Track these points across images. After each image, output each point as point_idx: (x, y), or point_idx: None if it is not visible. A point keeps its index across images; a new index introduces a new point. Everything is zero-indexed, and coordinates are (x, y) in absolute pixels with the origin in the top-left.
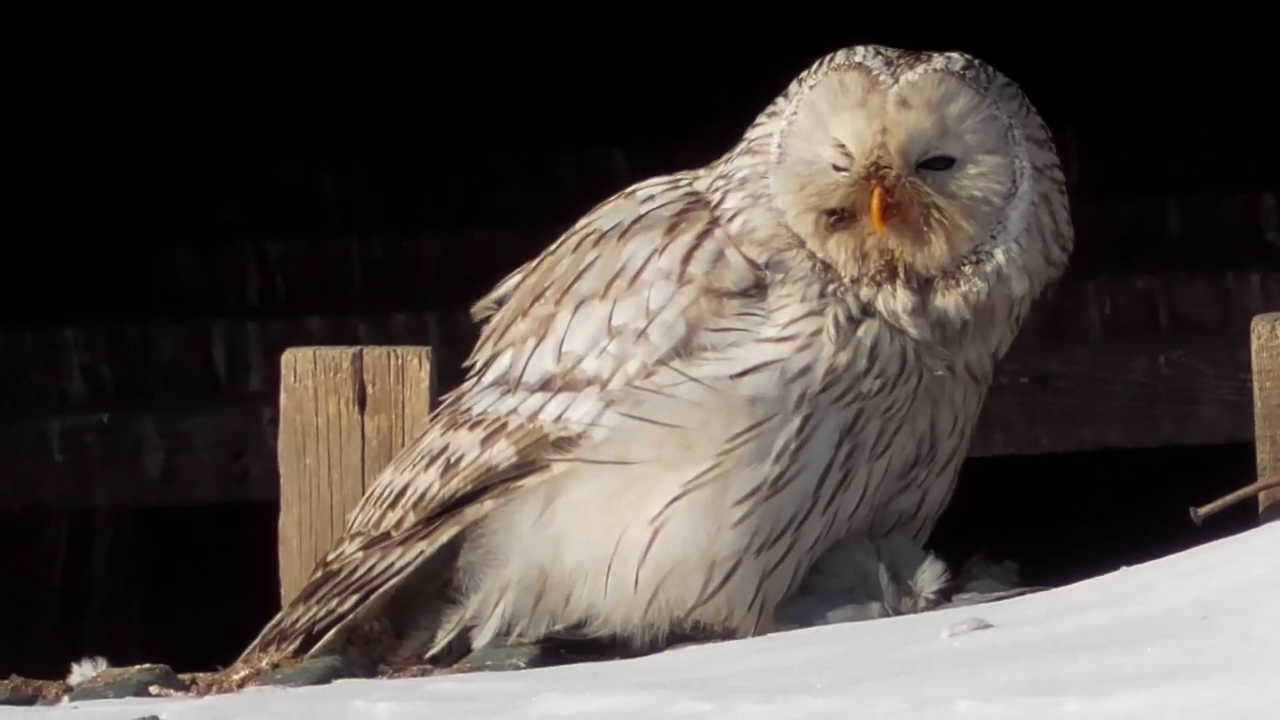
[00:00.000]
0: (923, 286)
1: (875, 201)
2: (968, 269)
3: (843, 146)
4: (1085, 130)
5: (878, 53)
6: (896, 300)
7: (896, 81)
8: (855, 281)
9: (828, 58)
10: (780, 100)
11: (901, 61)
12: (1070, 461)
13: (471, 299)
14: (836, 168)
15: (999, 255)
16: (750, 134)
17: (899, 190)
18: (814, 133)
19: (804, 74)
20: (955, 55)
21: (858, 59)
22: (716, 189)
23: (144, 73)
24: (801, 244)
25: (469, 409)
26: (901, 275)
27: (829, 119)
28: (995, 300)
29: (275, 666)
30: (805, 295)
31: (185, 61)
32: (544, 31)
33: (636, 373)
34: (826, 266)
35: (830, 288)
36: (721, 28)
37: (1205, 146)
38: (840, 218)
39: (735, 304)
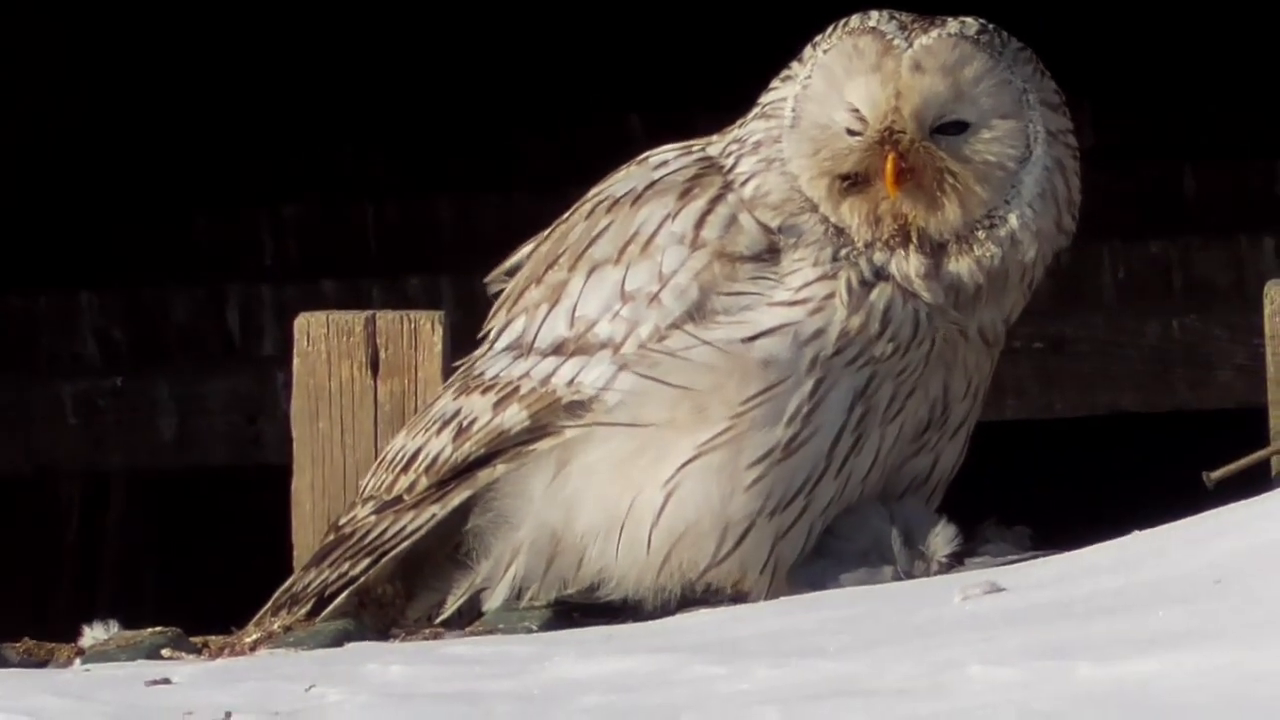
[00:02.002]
0: (936, 251)
1: (889, 166)
2: (981, 233)
3: (857, 111)
4: (1101, 96)
5: (892, 17)
6: (910, 264)
7: (911, 45)
8: (869, 246)
9: (842, 22)
10: (794, 64)
11: (916, 26)
12: (1084, 426)
13: (486, 263)
14: (850, 132)
15: (1013, 220)
16: (764, 98)
17: (913, 155)
18: (828, 97)
19: (818, 38)
20: (969, 20)
21: (872, 23)
22: (730, 153)
23: (165, 41)
24: (815, 208)
25: (481, 373)
26: (915, 239)
27: (843, 83)
28: (1009, 265)
29: (287, 629)
30: (818, 259)
31: (208, 35)
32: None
33: (649, 336)
34: (840, 230)
35: (843, 251)
36: None
37: (1221, 111)
38: (854, 182)
39: (748, 268)
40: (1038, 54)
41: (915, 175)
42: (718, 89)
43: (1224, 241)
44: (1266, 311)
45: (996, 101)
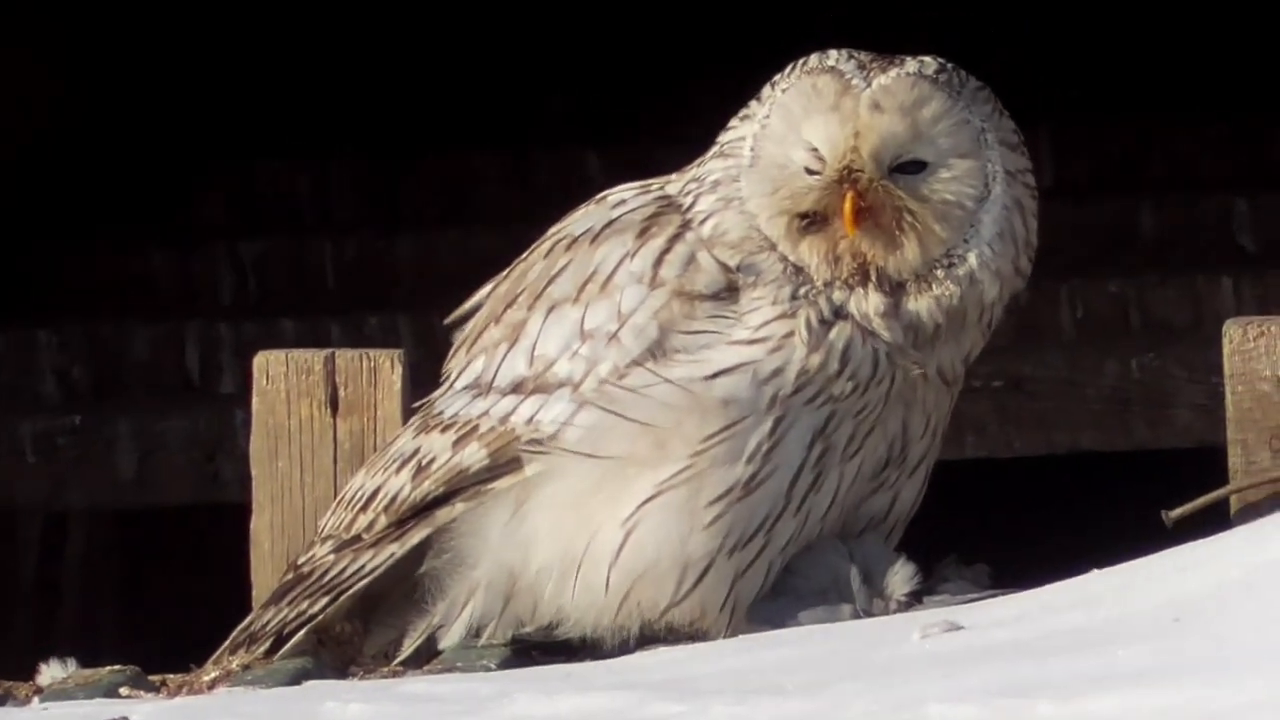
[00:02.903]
0: (895, 290)
1: (848, 205)
2: (940, 273)
3: (815, 150)
4: (1059, 132)
5: (850, 56)
6: (869, 303)
7: (869, 85)
8: (827, 284)
9: (800, 61)
10: (753, 103)
11: (874, 65)
12: (1043, 464)
13: (446, 300)
14: (809, 171)
15: (972, 259)
16: (723, 137)
17: (871, 194)
18: (786, 136)
19: (777, 77)
20: (928, 59)
21: (830, 62)
22: (689, 192)
23: (121, 72)
24: (773, 247)
25: (440, 412)
26: (874, 278)
27: (802, 122)
28: (967, 304)
29: (246, 668)
30: (777, 298)
31: (162, 60)
32: (520, 33)
33: (609, 375)
34: (798, 269)
35: (802, 290)
36: (697, 31)
37: (1179, 150)
38: (812, 221)
39: (707, 306)
40: (996, 91)
41: (874, 214)
42: (677, 126)
43: (1182, 280)
44: (1225, 350)
45: (955, 141)
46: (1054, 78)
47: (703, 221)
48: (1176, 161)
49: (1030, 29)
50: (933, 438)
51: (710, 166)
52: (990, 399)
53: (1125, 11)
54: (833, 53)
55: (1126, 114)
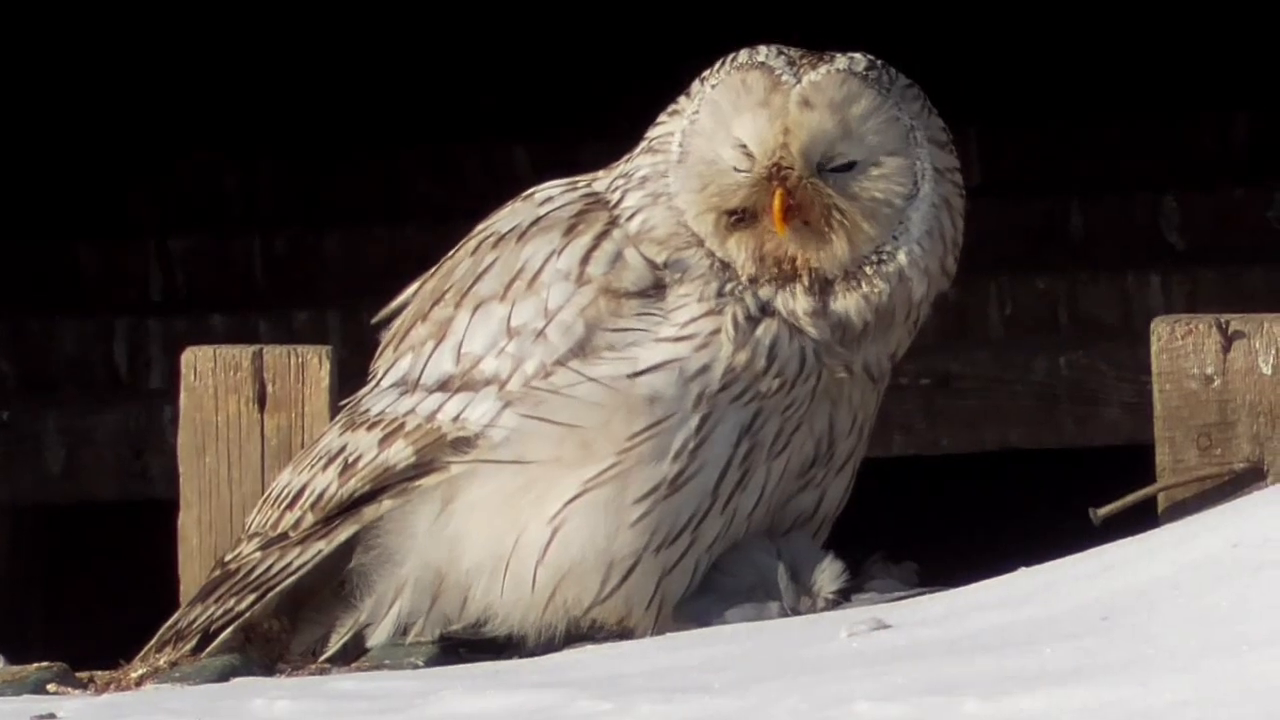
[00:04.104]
0: (824, 287)
1: (777, 203)
2: (869, 270)
3: (744, 147)
4: (988, 130)
5: (780, 52)
6: (797, 301)
7: (799, 81)
8: (754, 281)
9: (730, 57)
10: (682, 99)
11: (804, 61)
12: (971, 462)
13: (374, 297)
14: (737, 169)
15: (901, 256)
16: (651, 132)
17: (800, 191)
18: (715, 132)
19: (706, 73)
20: (858, 56)
21: (760, 58)
22: (616, 188)
23: (48, 65)
24: (701, 243)
25: (367, 410)
26: (803, 276)
27: (731, 119)
28: (896, 302)
29: (173, 665)
30: (704, 295)
31: (90, 54)
32: (449, 28)
33: (535, 373)
34: (725, 266)
35: (729, 287)
36: (627, 27)
37: (1108, 147)
38: (740, 218)
39: (634, 304)
40: (925, 89)
41: (803, 212)
42: (606, 121)
43: (1111, 278)
44: (1154, 348)
45: (884, 138)
46: (982, 77)
47: (630, 217)
48: (1105, 159)
49: (958, 28)
50: (860, 435)
51: (638, 162)
52: (918, 396)
53: (1053, 10)
54: (762, 49)
55: (1055, 112)
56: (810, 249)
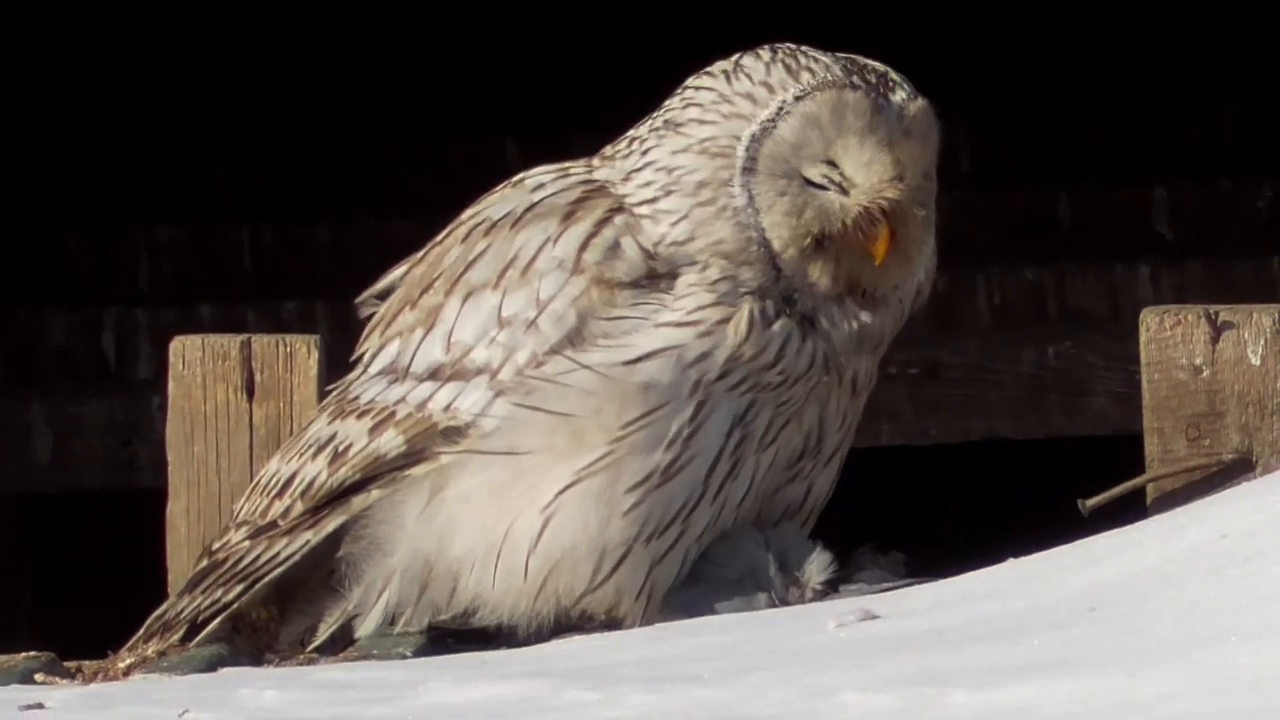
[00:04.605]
0: (870, 303)
1: (885, 235)
2: (902, 288)
3: (843, 170)
4: (977, 121)
5: (860, 68)
6: (847, 317)
7: (898, 109)
8: (826, 299)
9: (805, 64)
10: (738, 100)
11: (882, 84)
12: (959, 452)
13: (361, 286)
14: (841, 189)
15: (920, 274)
16: (699, 132)
17: (901, 222)
18: (803, 148)
19: (776, 77)
20: (903, 80)
21: (856, 79)
22: (647, 184)
23: (37, 55)
24: (771, 260)
25: (356, 397)
26: (857, 293)
27: (832, 139)
28: (908, 316)
29: (161, 654)
30: (719, 288)
31: (79, 44)
32: (438, 20)
33: (527, 363)
34: (779, 275)
35: (749, 284)
36: (618, 18)
37: (1097, 139)
38: (821, 239)
39: (627, 294)
40: (915, 79)
41: (900, 242)
42: (594, 112)
43: (1099, 268)
44: (1142, 339)
45: (933, 163)
46: (971, 68)
47: (676, 223)
48: (1094, 151)
49: (948, 18)
50: (847, 430)
51: (685, 161)
52: (907, 386)
53: (1043, 1)
54: (835, 63)
55: (1044, 103)
56: (883, 273)
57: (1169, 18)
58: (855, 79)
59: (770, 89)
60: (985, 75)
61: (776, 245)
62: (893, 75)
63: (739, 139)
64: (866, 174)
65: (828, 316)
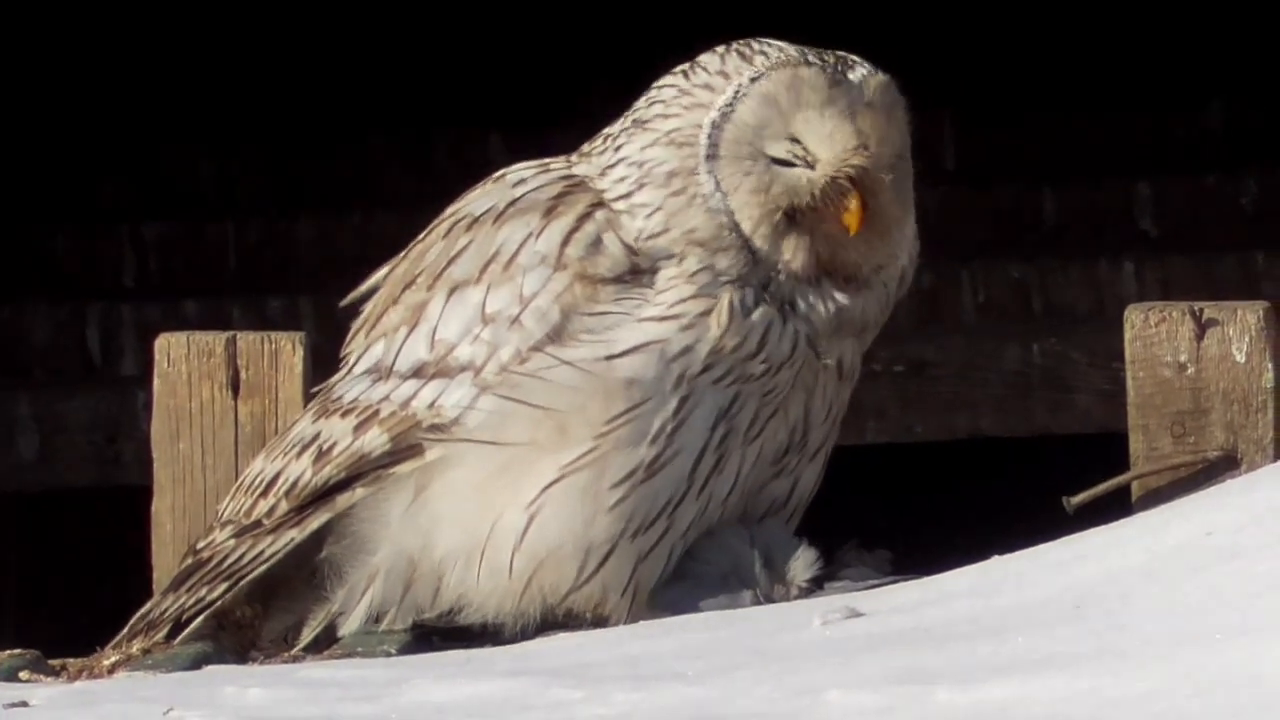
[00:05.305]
0: (851, 286)
1: (854, 205)
2: (884, 272)
3: (800, 144)
4: (962, 117)
5: (819, 53)
6: (825, 299)
7: (859, 82)
8: (798, 280)
9: (753, 48)
10: (697, 90)
11: (840, 62)
12: (944, 449)
13: (347, 283)
14: (807, 164)
15: (903, 257)
16: (664, 125)
17: (873, 194)
18: (765, 128)
19: (731, 65)
20: (862, 60)
21: (811, 56)
22: (622, 179)
23: (23, 52)
24: (745, 244)
25: (341, 396)
26: (836, 275)
27: (790, 115)
28: (893, 301)
29: (146, 652)
30: (698, 279)
31: (66, 41)
32: (422, 15)
33: (510, 359)
34: (757, 261)
35: (727, 273)
36: (601, 12)
37: (1082, 134)
38: (794, 216)
39: (610, 290)
40: (899, 75)
41: (872, 215)
42: (578, 106)
43: (1084, 265)
44: (1127, 336)
45: (905, 143)
46: (956, 63)
47: (650, 215)
48: (1078, 146)
49: (933, 14)
50: (833, 424)
51: (653, 154)
52: (891, 383)
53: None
54: (790, 47)
55: (1029, 99)
56: (860, 249)
57: (1153, 14)
58: (810, 58)
59: (726, 76)
60: (970, 72)
61: (747, 226)
62: (851, 57)
63: (700, 127)
64: (830, 145)
65: (805, 299)
